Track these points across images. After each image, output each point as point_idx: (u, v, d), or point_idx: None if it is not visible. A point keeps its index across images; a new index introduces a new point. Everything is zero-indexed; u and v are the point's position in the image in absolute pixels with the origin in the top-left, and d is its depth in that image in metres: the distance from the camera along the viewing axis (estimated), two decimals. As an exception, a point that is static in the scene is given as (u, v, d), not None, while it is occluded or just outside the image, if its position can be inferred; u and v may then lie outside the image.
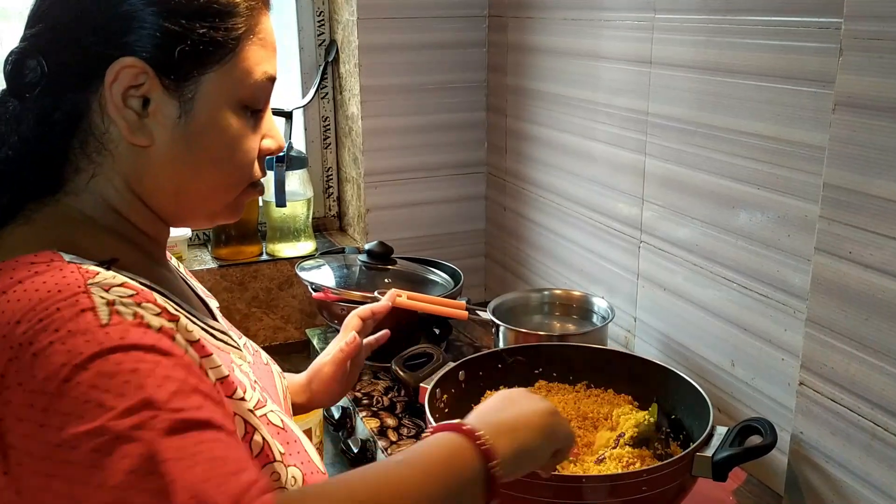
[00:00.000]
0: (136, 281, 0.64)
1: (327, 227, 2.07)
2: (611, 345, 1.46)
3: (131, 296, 0.60)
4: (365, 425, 1.30)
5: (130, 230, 0.73)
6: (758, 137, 1.10)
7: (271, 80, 0.75)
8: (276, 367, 0.94)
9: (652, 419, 1.09)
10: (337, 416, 1.38)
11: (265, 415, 0.73)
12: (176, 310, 0.65)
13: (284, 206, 1.79)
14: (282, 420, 0.76)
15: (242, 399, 0.69)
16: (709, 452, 0.95)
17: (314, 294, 1.48)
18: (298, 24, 1.92)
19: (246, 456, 0.57)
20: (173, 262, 0.91)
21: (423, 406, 1.07)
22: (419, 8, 1.77)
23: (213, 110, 0.70)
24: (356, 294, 1.42)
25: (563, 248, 1.65)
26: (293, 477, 0.71)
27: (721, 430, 0.99)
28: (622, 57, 1.38)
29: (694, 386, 1.09)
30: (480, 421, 0.70)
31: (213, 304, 0.91)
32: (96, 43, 0.66)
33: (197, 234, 1.92)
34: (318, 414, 1.31)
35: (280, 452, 0.71)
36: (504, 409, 0.74)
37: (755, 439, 0.97)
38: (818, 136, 1.00)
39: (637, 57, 1.33)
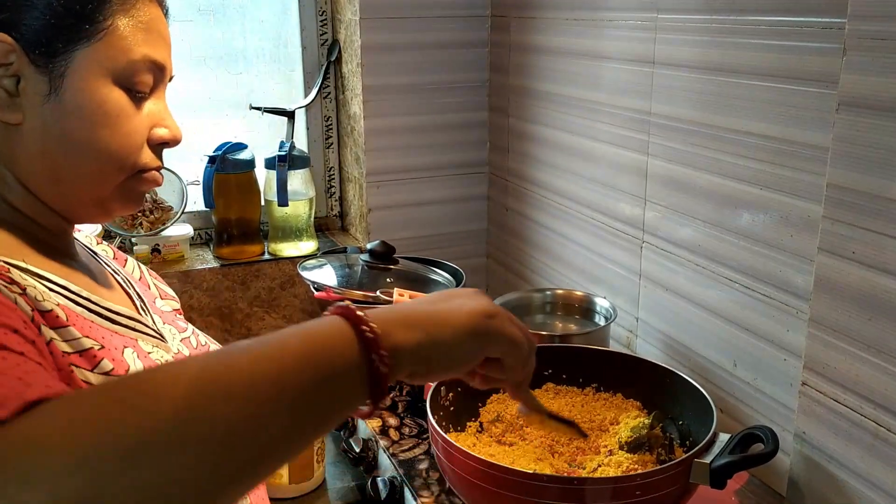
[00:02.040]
0: (3, 261, 0.64)
1: (329, 226, 2.07)
2: (612, 345, 1.46)
3: None
4: (367, 425, 1.30)
5: (17, 217, 0.72)
6: (761, 137, 1.10)
7: (156, 65, 0.73)
8: None
9: (646, 421, 1.08)
10: (339, 415, 1.38)
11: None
12: (31, 280, 0.65)
13: (286, 205, 1.79)
14: None
15: (110, 373, 0.67)
16: (708, 459, 0.94)
17: (316, 293, 1.48)
18: (301, 24, 1.92)
19: (45, 379, 0.50)
20: (130, 265, 0.93)
21: (425, 404, 1.07)
22: (421, 8, 1.77)
23: (84, 87, 0.69)
24: (358, 294, 1.42)
25: (564, 248, 1.65)
26: None
27: (723, 437, 0.98)
28: (625, 57, 1.38)
29: (700, 391, 1.08)
30: (386, 310, 0.59)
31: (171, 305, 0.92)
32: None
33: (199, 234, 1.92)
34: (319, 413, 1.31)
35: None
36: (432, 302, 0.64)
37: (758, 447, 0.96)
38: (821, 136, 1.00)
39: (640, 57, 1.33)
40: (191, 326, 0.93)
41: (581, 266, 1.60)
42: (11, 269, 0.65)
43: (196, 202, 1.88)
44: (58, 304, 0.67)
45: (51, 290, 0.69)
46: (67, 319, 0.67)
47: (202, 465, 0.45)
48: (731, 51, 1.13)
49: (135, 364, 0.72)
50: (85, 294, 0.73)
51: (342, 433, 1.38)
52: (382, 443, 1.25)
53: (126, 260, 0.95)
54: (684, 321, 1.31)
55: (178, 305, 0.97)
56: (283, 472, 1.29)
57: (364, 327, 0.55)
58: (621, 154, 1.42)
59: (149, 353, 0.76)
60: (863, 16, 0.88)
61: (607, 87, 1.44)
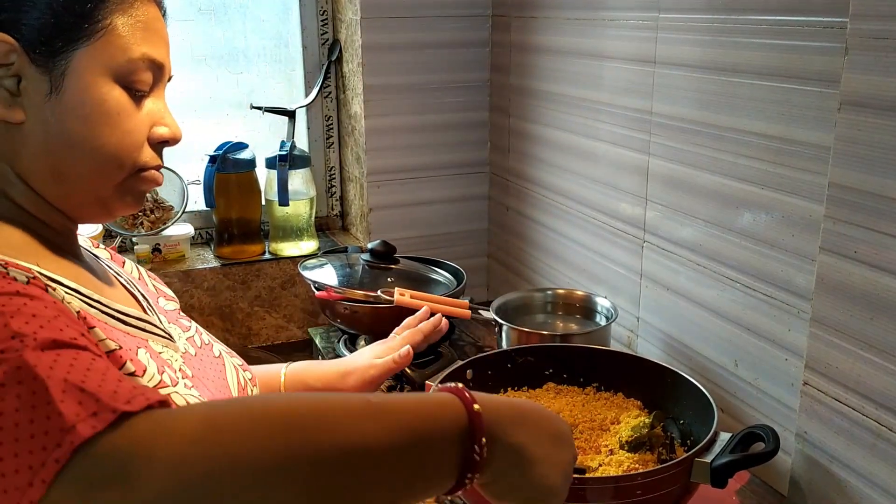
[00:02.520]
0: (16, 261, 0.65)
1: (330, 226, 2.07)
2: (613, 345, 1.45)
3: None
4: (367, 424, 1.30)
5: (25, 217, 0.72)
6: (762, 137, 1.10)
7: (155, 64, 0.74)
8: (234, 360, 0.95)
9: (647, 421, 1.08)
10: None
11: (168, 395, 0.71)
12: (55, 286, 0.65)
13: (287, 205, 1.79)
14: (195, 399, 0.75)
15: (133, 374, 0.68)
16: (709, 458, 0.93)
17: (317, 293, 1.48)
18: (302, 23, 1.92)
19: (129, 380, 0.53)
20: (128, 266, 0.93)
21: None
22: (422, 7, 1.77)
23: (84, 85, 0.70)
24: (359, 293, 1.41)
25: (565, 247, 1.65)
26: None
27: (724, 437, 0.98)
28: (626, 56, 1.37)
29: (701, 391, 1.08)
30: (498, 401, 0.62)
31: (171, 305, 0.93)
32: None
33: (199, 233, 1.92)
34: (320, 413, 1.31)
35: None
36: (529, 411, 0.66)
37: (759, 446, 0.96)
38: (823, 135, 1.00)
39: (641, 56, 1.33)
40: (193, 324, 0.94)
41: (582, 266, 1.60)
42: (37, 274, 0.65)
43: (197, 202, 1.88)
44: (79, 310, 0.67)
45: (67, 293, 0.69)
46: (87, 319, 0.67)
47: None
48: (732, 50, 1.13)
49: (150, 365, 0.72)
50: (95, 296, 0.73)
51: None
52: (383, 442, 1.24)
53: (124, 262, 0.95)
54: (685, 321, 1.31)
55: (177, 306, 0.97)
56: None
57: (473, 410, 0.57)
58: (622, 154, 1.42)
59: (160, 352, 0.77)
60: (865, 15, 0.88)
61: (608, 86, 1.44)
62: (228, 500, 0.47)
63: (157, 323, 0.82)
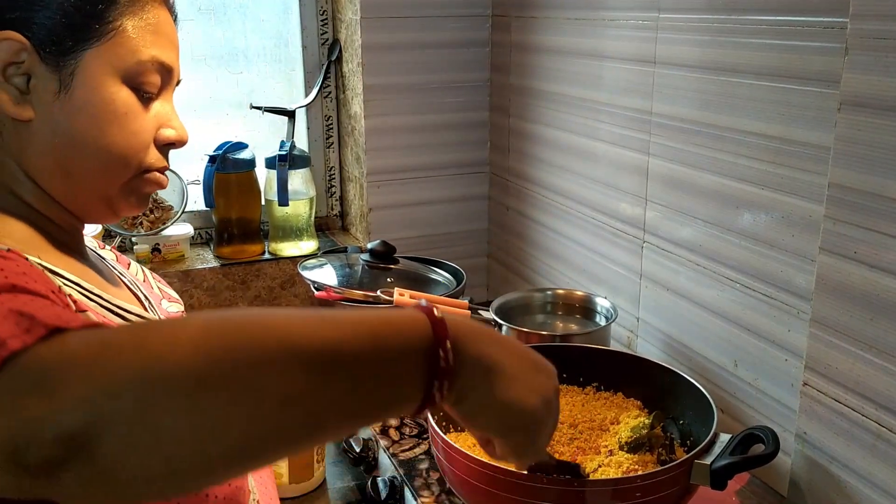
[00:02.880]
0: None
1: (329, 226, 2.07)
2: (613, 345, 1.45)
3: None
4: (367, 425, 1.30)
5: (31, 214, 0.73)
6: (762, 137, 1.10)
7: (164, 66, 0.75)
8: None
9: (647, 421, 1.08)
10: (339, 415, 1.37)
11: None
12: (57, 278, 0.66)
13: (287, 205, 1.79)
14: None
15: None
16: (708, 460, 0.93)
17: (316, 293, 1.48)
18: (301, 23, 1.92)
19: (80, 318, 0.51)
20: (133, 268, 0.93)
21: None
22: (422, 7, 1.77)
23: (93, 85, 0.70)
24: (358, 293, 1.41)
25: (565, 247, 1.65)
26: None
27: (724, 438, 0.98)
28: (626, 57, 1.37)
29: (701, 391, 1.08)
30: (466, 321, 0.57)
31: (176, 307, 0.93)
32: None
33: (199, 233, 1.92)
34: (320, 413, 1.31)
35: None
36: (502, 339, 0.62)
37: (759, 448, 0.96)
38: (823, 135, 1.00)
39: (641, 56, 1.33)
40: None
41: (582, 266, 1.60)
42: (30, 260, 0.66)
43: (196, 202, 1.88)
44: (74, 298, 0.68)
45: (65, 285, 0.69)
46: (80, 305, 0.68)
47: (239, 416, 0.45)
48: (732, 50, 1.13)
49: None
50: (97, 291, 0.73)
51: (342, 433, 1.38)
52: (382, 443, 1.24)
53: (129, 264, 0.95)
54: (685, 321, 1.30)
55: (181, 308, 0.97)
56: (284, 472, 1.29)
57: (437, 318, 0.53)
58: (622, 154, 1.42)
59: None
60: (865, 15, 0.88)
61: (608, 86, 1.43)
62: (159, 411, 0.44)
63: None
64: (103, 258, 0.88)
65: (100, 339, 0.47)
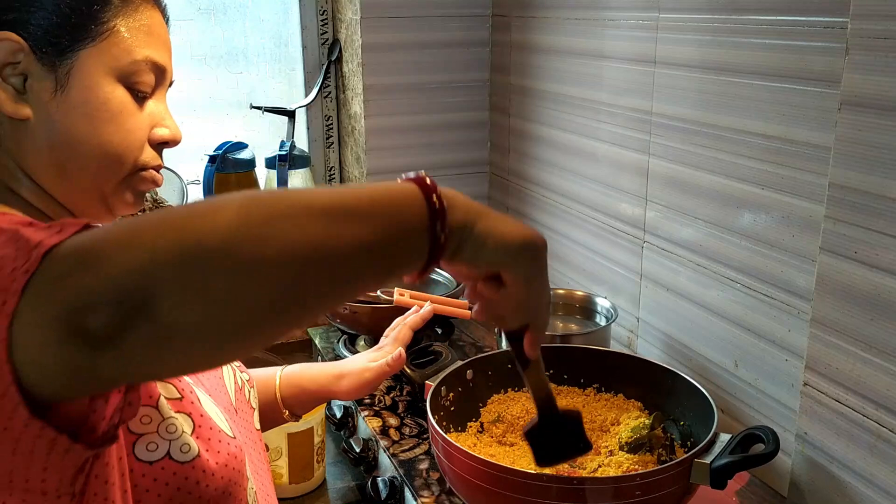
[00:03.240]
0: None
1: (329, 226, 2.07)
2: (613, 345, 1.45)
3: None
4: (367, 425, 1.30)
5: (28, 209, 0.74)
6: (762, 137, 1.10)
7: (157, 66, 0.76)
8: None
9: (647, 422, 1.08)
10: (339, 415, 1.38)
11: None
12: None
13: (287, 204, 1.79)
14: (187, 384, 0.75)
15: None
16: (708, 459, 0.93)
17: (316, 293, 1.47)
18: (302, 23, 1.92)
19: None
20: None
21: (425, 404, 1.07)
22: (422, 7, 1.77)
23: (89, 85, 0.72)
24: (358, 293, 1.41)
25: (565, 248, 1.65)
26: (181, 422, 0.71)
27: (724, 438, 0.98)
28: (626, 57, 1.37)
29: (701, 392, 1.08)
30: (453, 192, 0.62)
31: None
32: None
33: (199, 233, 1.91)
34: (319, 413, 1.31)
35: (168, 399, 0.71)
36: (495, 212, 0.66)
37: (759, 447, 0.96)
38: (823, 135, 1.00)
39: (641, 56, 1.33)
40: None
41: (582, 266, 1.60)
42: None
43: (196, 201, 1.87)
44: None
45: None
46: None
47: (274, 269, 0.50)
48: (732, 50, 1.13)
49: None
50: None
51: (343, 433, 1.38)
52: (383, 443, 1.24)
53: None
54: (685, 321, 1.30)
55: None
56: (284, 472, 1.29)
57: (435, 200, 0.58)
58: (622, 154, 1.42)
59: None
60: (865, 15, 0.88)
61: (608, 86, 1.43)
62: (202, 272, 0.48)
63: None
64: None
65: (130, 221, 0.51)
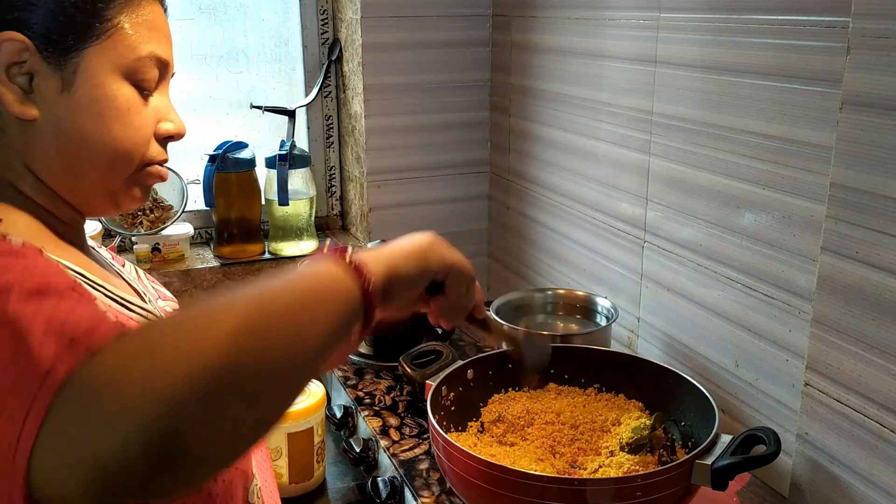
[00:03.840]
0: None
1: (330, 225, 2.07)
2: (614, 345, 1.45)
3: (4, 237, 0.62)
4: (367, 425, 1.30)
5: (35, 208, 0.74)
6: (763, 137, 1.10)
7: (161, 61, 0.76)
8: None
9: (648, 422, 1.08)
10: (339, 415, 1.37)
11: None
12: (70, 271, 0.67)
13: (287, 204, 1.79)
14: None
15: None
16: (709, 460, 0.93)
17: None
18: (302, 23, 1.92)
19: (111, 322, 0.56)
20: (129, 267, 0.94)
21: (426, 404, 1.07)
22: (423, 6, 1.77)
23: (95, 83, 0.72)
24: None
25: (566, 247, 1.64)
26: None
27: (725, 439, 0.97)
28: (627, 56, 1.37)
29: (702, 392, 1.08)
30: (364, 254, 0.70)
31: (171, 306, 0.93)
32: None
33: (199, 233, 1.91)
34: (319, 412, 1.31)
35: None
36: (388, 244, 0.78)
37: (760, 448, 0.95)
38: (824, 135, 1.00)
39: (642, 56, 1.33)
40: None
41: (582, 266, 1.59)
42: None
43: (196, 201, 1.87)
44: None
45: (76, 277, 0.70)
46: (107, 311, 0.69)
47: (279, 386, 0.55)
48: (733, 50, 1.13)
49: None
50: (101, 282, 0.75)
51: (343, 433, 1.38)
52: (383, 443, 1.24)
53: (124, 263, 0.96)
54: (686, 321, 1.30)
55: (176, 306, 0.97)
56: (284, 472, 1.29)
57: (354, 265, 0.66)
58: (623, 153, 1.41)
59: None
60: (867, 14, 0.88)
61: (609, 86, 1.43)
62: (219, 416, 0.50)
63: (158, 314, 0.83)
64: (101, 255, 0.89)
65: (140, 345, 0.51)
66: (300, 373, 0.58)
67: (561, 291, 1.51)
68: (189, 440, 0.48)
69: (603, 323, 1.42)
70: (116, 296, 0.76)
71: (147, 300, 0.86)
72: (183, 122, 0.80)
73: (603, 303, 1.45)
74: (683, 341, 1.32)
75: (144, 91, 0.76)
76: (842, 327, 0.96)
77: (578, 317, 1.48)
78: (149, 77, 0.75)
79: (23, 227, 0.72)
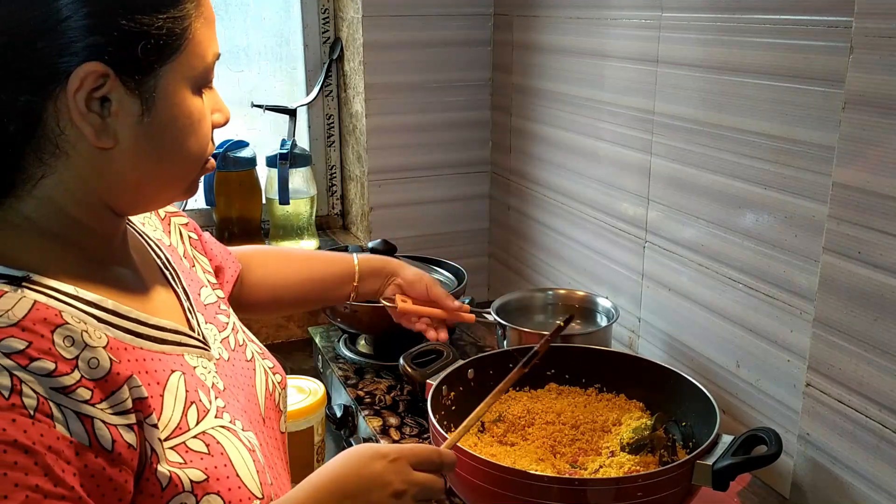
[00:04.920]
0: (58, 292, 0.65)
1: (330, 225, 2.07)
2: (615, 345, 1.45)
3: (20, 352, 0.59)
4: (367, 424, 1.30)
5: (76, 232, 0.71)
6: (765, 137, 1.09)
7: (217, 57, 0.75)
8: (266, 363, 0.93)
9: (649, 423, 1.08)
10: (339, 414, 1.37)
11: (184, 442, 0.70)
12: (87, 331, 0.64)
13: (287, 203, 1.79)
14: (213, 439, 0.73)
15: (154, 426, 0.67)
16: (710, 460, 0.93)
17: (317, 292, 1.47)
18: (303, 22, 1.92)
19: None
20: (173, 238, 0.91)
21: (426, 403, 1.07)
22: (424, 6, 1.77)
23: (174, 102, 0.70)
24: (359, 292, 1.41)
25: (567, 247, 1.64)
26: None
27: (727, 439, 0.97)
28: (628, 56, 1.37)
29: (703, 392, 1.08)
30: None
31: (212, 298, 0.90)
32: (51, 48, 0.64)
33: (200, 232, 1.91)
34: (319, 412, 1.31)
35: (193, 482, 0.68)
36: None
37: (761, 449, 0.95)
38: (827, 135, 0.99)
39: (643, 56, 1.32)
40: (231, 320, 0.91)
41: (583, 266, 1.59)
42: (63, 310, 0.64)
43: (197, 200, 1.87)
44: (106, 344, 0.66)
45: (91, 316, 0.67)
46: (120, 363, 0.66)
47: None
48: (735, 49, 1.13)
49: (178, 399, 0.71)
50: (125, 312, 0.71)
51: (343, 432, 1.37)
52: (383, 442, 1.24)
53: (170, 232, 0.93)
54: (687, 321, 1.30)
55: (222, 295, 0.94)
56: (283, 472, 1.28)
57: None
58: (624, 153, 1.41)
59: (194, 367, 0.76)
60: (870, 14, 0.88)
61: (611, 85, 1.43)
62: None
63: (196, 331, 0.80)
64: (146, 236, 0.86)
65: None
66: None
67: (562, 291, 1.51)
68: None
69: (604, 323, 1.42)
70: (147, 325, 0.72)
71: (189, 306, 0.82)
72: (226, 105, 0.78)
73: (604, 303, 1.44)
74: (684, 341, 1.31)
75: (203, 90, 0.74)
76: (844, 328, 0.96)
77: (579, 317, 1.47)
78: (211, 77, 0.74)
79: (37, 258, 0.68)
